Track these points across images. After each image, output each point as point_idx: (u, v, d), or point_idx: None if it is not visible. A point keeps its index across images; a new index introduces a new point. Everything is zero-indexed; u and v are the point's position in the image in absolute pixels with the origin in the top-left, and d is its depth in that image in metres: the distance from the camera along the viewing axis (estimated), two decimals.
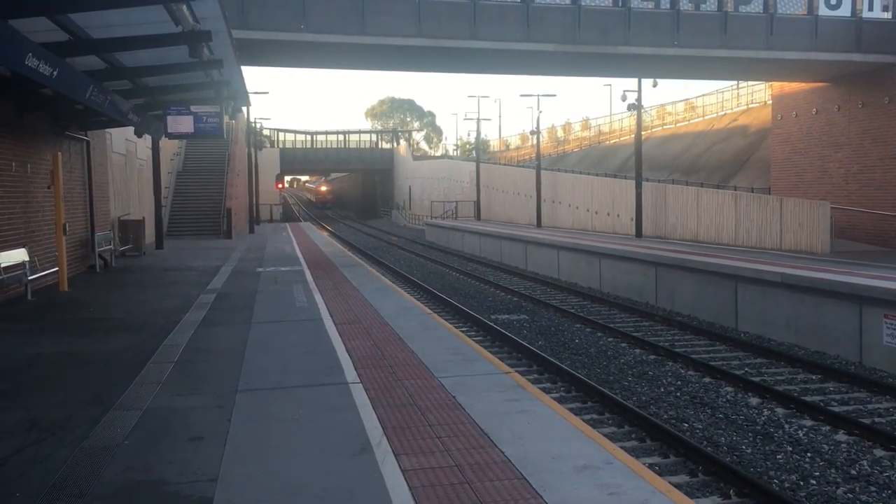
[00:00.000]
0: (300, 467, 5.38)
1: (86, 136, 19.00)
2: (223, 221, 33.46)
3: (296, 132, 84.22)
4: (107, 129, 21.21)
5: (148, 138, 24.98)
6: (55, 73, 10.40)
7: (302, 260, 21.96)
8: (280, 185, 72.78)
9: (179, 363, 8.72)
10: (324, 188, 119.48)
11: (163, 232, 28.12)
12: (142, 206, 27.94)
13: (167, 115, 17.95)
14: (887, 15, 24.76)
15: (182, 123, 17.94)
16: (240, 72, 17.15)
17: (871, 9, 24.52)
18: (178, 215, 34.78)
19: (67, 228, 16.20)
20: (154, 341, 9.99)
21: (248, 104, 31.79)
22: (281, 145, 79.92)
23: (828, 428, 9.80)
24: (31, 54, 9.57)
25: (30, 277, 14.15)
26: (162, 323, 11.43)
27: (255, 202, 46.25)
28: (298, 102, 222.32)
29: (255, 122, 50.09)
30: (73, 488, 5.05)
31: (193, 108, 17.93)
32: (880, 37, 24.44)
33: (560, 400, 10.84)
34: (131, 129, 19.74)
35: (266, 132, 74.57)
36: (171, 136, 19.05)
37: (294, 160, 76.86)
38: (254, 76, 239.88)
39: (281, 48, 22.09)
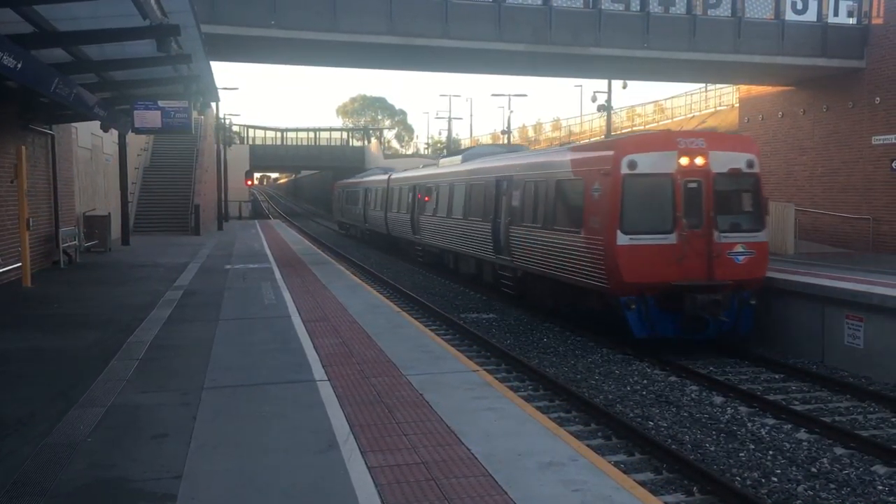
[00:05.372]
0: (266, 464, 5.36)
1: (51, 129, 18.69)
2: (191, 218, 33.12)
3: (266, 129, 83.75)
4: (73, 123, 20.89)
5: (115, 133, 24.65)
6: (19, 65, 10.25)
7: (271, 257, 21.82)
8: (249, 182, 72.31)
9: (145, 360, 8.63)
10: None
11: (129, 228, 27.77)
12: (108, 201, 27.56)
13: (135, 109, 17.74)
14: (852, 20, 25.17)
15: (150, 118, 17.73)
16: (209, 67, 16.98)
17: (836, 14, 24.89)
18: (146, 211, 34.35)
19: (31, 223, 15.94)
20: (119, 338, 9.88)
21: (217, 100, 31.32)
22: (251, 142, 79.33)
23: (789, 426, 9.96)
24: None
25: None
26: (128, 319, 11.30)
27: (224, 199, 45.86)
28: (269, 99, 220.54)
29: (224, 118, 49.57)
30: (34, 486, 4.99)
31: (161, 103, 17.73)
32: (845, 42, 24.84)
33: (527, 398, 10.88)
34: (98, 123, 19.48)
35: (236, 128, 73.91)
36: (138, 131, 18.83)
37: (264, 157, 76.43)
38: (223, 71, 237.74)
39: (251, 44, 21.89)
